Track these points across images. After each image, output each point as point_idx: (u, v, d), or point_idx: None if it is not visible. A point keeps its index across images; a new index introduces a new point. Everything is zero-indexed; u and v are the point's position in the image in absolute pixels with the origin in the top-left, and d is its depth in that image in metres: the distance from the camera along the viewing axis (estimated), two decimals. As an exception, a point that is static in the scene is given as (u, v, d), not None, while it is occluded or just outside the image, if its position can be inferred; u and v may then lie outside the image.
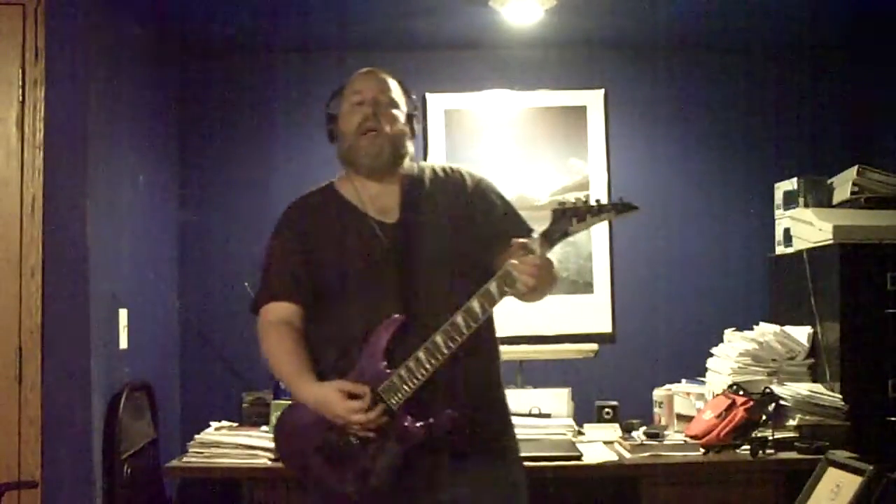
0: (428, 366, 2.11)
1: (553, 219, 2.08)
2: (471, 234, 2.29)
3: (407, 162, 2.37)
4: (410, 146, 2.37)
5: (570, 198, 2.10)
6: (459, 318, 2.10)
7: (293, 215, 2.38)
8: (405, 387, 2.12)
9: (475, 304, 2.10)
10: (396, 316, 2.16)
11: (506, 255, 2.12)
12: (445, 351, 2.10)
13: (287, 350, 2.27)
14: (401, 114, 2.33)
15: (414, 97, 2.41)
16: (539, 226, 2.13)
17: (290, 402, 3.20)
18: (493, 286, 2.10)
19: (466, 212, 2.32)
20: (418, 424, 2.13)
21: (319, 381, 2.19)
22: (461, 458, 2.20)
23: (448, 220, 2.30)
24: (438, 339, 2.10)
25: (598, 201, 2.07)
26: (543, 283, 2.13)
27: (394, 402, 2.12)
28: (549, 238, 2.08)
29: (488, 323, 2.24)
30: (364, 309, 2.21)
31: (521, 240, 2.10)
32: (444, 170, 2.40)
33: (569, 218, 2.06)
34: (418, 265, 2.24)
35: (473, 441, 2.21)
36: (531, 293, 2.16)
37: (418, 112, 2.41)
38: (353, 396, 2.11)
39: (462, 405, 2.16)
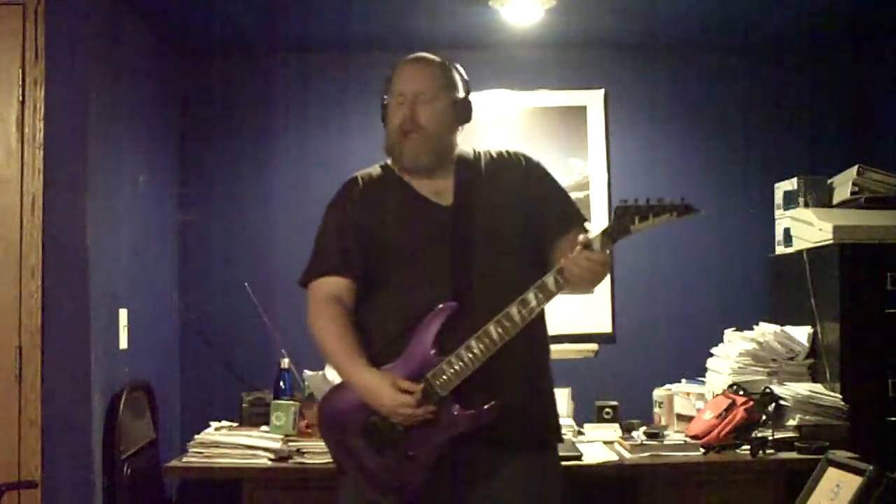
0: (480, 354, 2.10)
1: (615, 216, 2.07)
2: (526, 220, 2.29)
3: (459, 148, 2.35)
4: (457, 136, 2.33)
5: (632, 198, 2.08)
6: (514, 310, 2.10)
7: (350, 190, 2.36)
8: (454, 375, 2.12)
9: (531, 297, 2.10)
10: (449, 303, 2.16)
11: (566, 249, 2.12)
12: (498, 341, 2.10)
13: (337, 331, 2.26)
14: (443, 105, 2.29)
15: (464, 79, 2.36)
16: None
17: (295, 399, 3.20)
18: (549, 280, 2.10)
19: (522, 197, 2.31)
20: (466, 413, 2.13)
21: (371, 368, 2.18)
22: (506, 450, 2.20)
23: (503, 204, 2.29)
24: (491, 328, 2.10)
25: (660, 200, 2.06)
26: (599, 280, 2.14)
27: (442, 389, 2.13)
28: (611, 236, 2.07)
29: (539, 315, 2.22)
30: (416, 291, 2.20)
31: (583, 236, 2.10)
32: (500, 154, 2.38)
33: (631, 216, 2.06)
34: (472, 249, 2.23)
35: (519, 432, 2.21)
36: (584, 287, 2.17)
37: (468, 94, 2.36)
38: (404, 391, 2.12)
39: (510, 396, 2.16)
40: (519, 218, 2.28)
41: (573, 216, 2.34)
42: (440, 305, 2.16)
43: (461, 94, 2.34)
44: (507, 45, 3.85)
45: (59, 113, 2.90)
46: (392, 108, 2.30)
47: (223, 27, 3.67)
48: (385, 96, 2.35)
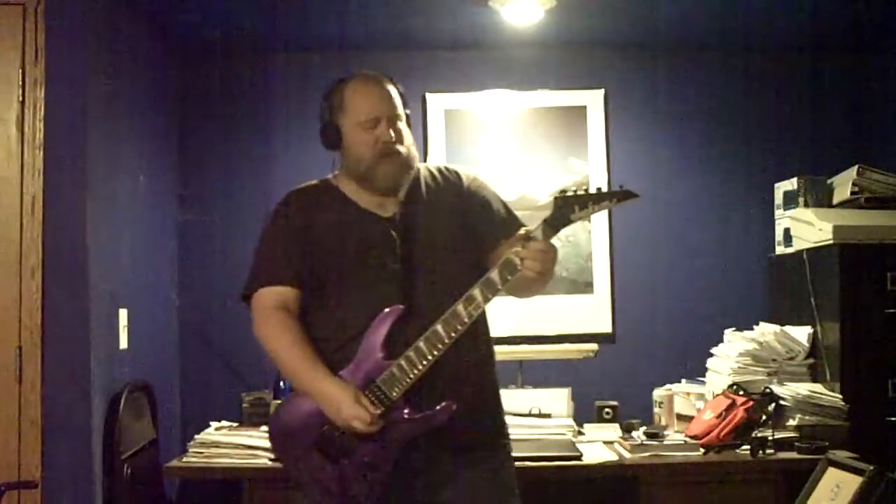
0: (429, 356, 2.11)
1: (555, 206, 2.08)
2: (467, 229, 2.31)
3: None
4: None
5: (571, 187, 2.11)
6: (461, 307, 2.10)
7: (289, 204, 2.37)
8: (405, 378, 2.12)
9: (476, 293, 2.11)
10: (396, 306, 2.16)
11: (506, 247, 2.13)
12: (447, 340, 2.10)
13: (292, 339, 2.25)
14: (406, 125, 2.32)
15: (403, 92, 2.37)
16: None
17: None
18: (494, 273, 2.10)
19: (462, 207, 2.33)
20: (417, 416, 2.13)
21: (333, 377, 2.17)
22: (460, 452, 2.21)
23: (444, 214, 2.31)
24: (439, 328, 2.10)
25: (598, 189, 2.08)
26: (547, 269, 2.12)
27: (393, 393, 2.13)
28: (552, 225, 2.08)
29: (483, 317, 2.24)
30: (362, 300, 2.21)
31: (524, 228, 2.12)
32: (439, 170, 2.41)
33: (570, 205, 2.07)
34: (416, 256, 2.24)
35: (472, 434, 2.22)
36: (532, 283, 2.17)
37: (410, 109, 2.39)
38: (364, 406, 2.11)
39: (461, 398, 2.16)
40: (460, 226, 2.30)
41: (513, 222, 2.35)
42: (387, 309, 2.16)
43: (407, 109, 2.36)
44: (507, 45, 3.85)
45: (59, 113, 2.89)
46: (359, 129, 2.27)
47: (223, 27, 3.67)
48: (328, 116, 2.32)
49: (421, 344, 2.11)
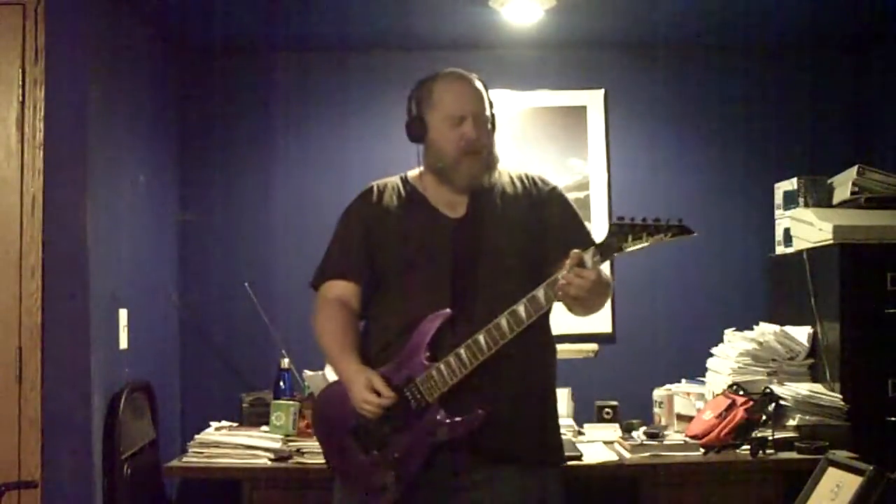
0: (469, 365, 2.13)
1: (609, 233, 2.09)
2: (534, 240, 2.31)
3: None
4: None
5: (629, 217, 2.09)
6: (503, 321, 2.12)
7: (365, 198, 2.41)
8: (443, 382, 2.15)
9: (521, 309, 2.12)
10: (444, 311, 2.18)
11: (560, 264, 2.13)
12: (487, 351, 2.12)
13: (335, 327, 2.31)
14: (491, 125, 2.35)
15: (489, 95, 2.40)
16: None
17: (295, 399, 3.22)
18: (540, 292, 2.12)
19: (532, 217, 2.34)
20: (449, 420, 2.14)
21: (355, 361, 2.23)
22: (492, 462, 2.20)
23: (512, 222, 2.32)
24: (481, 338, 2.12)
25: (657, 220, 2.07)
26: (592, 295, 2.12)
27: (430, 395, 2.15)
28: (603, 252, 2.09)
29: (542, 331, 2.24)
30: (416, 298, 2.24)
31: (576, 251, 2.10)
32: (519, 176, 2.42)
33: (625, 234, 2.07)
34: (476, 261, 2.26)
35: (508, 445, 2.21)
36: (579, 305, 2.18)
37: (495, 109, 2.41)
38: (375, 390, 2.15)
39: (500, 407, 2.17)
40: (526, 238, 2.31)
41: (583, 241, 2.32)
42: (438, 312, 2.19)
43: (493, 111, 2.39)
44: (507, 45, 3.85)
45: (59, 113, 2.90)
46: (446, 126, 2.30)
47: (223, 27, 3.66)
48: (416, 109, 2.37)
49: (462, 351, 2.13)
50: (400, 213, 2.34)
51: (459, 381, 2.14)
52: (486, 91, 2.37)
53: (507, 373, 2.19)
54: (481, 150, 2.29)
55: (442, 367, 2.14)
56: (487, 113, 2.34)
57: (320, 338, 2.34)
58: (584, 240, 2.32)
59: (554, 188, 2.43)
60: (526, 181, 2.41)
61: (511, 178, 2.41)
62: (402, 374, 2.19)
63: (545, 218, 2.35)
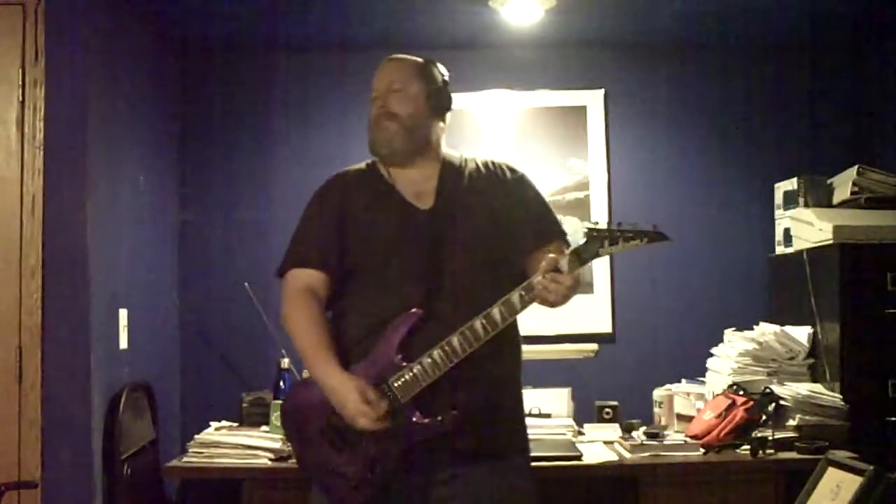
0: (442, 366, 2.12)
1: (586, 239, 2.10)
2: (503, 231, 2.30)
3: (446, 148, 2.38)
4: (435, 124, 2.36)
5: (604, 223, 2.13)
6: (478, 324, 2.12)
7: (332, 186, 2.39)
8: (415, 382, 2.13)
9: (495, 312, 2.12)
10: (416, 310, 2.17)
11: (535, 264, 2.14)
12: (461, 353, 2.12)
13: (309, 326, 2.26)
14: (415, 91, 2.32)
15: (441, 72, 2.38)
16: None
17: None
18: (515, 296, 2.12)
19: (501, 206, 2.32)
20: (424, 421, 2.13)
21: (341, 370, 2.18)
22: (462, 461, 2.20)
23: (482, 214, 2.30)
24: (455, 341, 2.12)
25: (633, 226, 2.09)
26: (566, 300, 2.16)
27: (403, 396, 2.14)
28: (580, 257, 2.10)
29: (510, 327, 2.23)
30: (387, 294, 2.22)
31: (552, 255, 2.11)
32: (486, 164, 2.40)
33: (601, 240, 2.08)
34: (446, 256, 2.24)
35: (477, 445, 2.21)
36: (549, 304, 2.18)
37: (446, 86, 2.38)
38: (369, 402, 2.12)
39: (471, 406, 2.16)
40: (496, 229, 2.30)
41: (550, 231, 2.36)
42: (408, 312, 2.17)
43: (437, 85, 2.35)
44: (507, 45, 3.85)
45: (59, 113, 2.89)
46: (369, 107, 2.36)
47: (223, 27, 3.67)
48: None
49: (436, 353, 2.13)
50: (370, 204, 2.31)
51: (430, 384, 2.13)
52: (428, 67, 2.35)
53: (479, 371, 2.18)
54: (390, 118, 2.29)
55: (416, 369, 2.13)
56: (413, 87, 2.32)
57: (295, 337, 2.28)
58: (557, 230, 2.35)
59: (522, 176, 2.40)
60: (493, 168, 2.38)
61: (478, 164, 2.38)
62: (373, 373, 2.16)
63: (514, 207, 2.34)
